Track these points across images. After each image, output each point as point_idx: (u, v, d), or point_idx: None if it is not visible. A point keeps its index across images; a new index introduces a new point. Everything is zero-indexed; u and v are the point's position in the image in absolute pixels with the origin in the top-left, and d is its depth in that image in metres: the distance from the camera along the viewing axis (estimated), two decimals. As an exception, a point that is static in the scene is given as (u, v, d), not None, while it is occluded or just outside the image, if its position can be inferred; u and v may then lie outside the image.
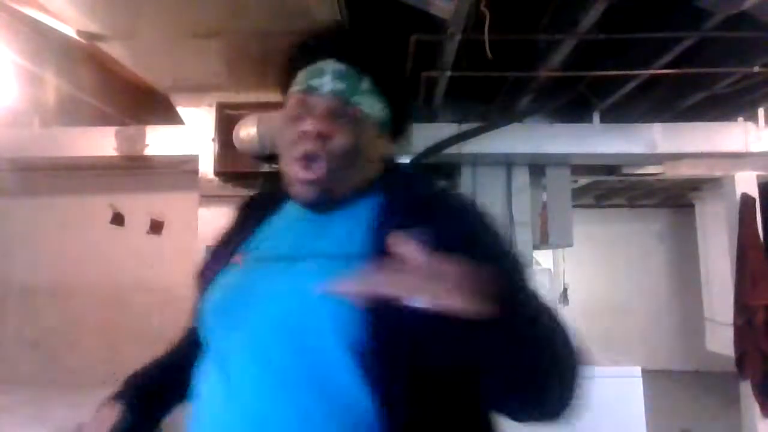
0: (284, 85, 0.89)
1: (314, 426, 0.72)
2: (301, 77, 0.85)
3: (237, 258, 0.88)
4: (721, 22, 2.12)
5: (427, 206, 0.82)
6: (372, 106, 0.85)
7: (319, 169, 0.81)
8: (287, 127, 0.84)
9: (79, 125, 3.15)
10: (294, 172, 0.83)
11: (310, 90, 0.83)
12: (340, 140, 0.81)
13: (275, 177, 0.92)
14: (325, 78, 0.83)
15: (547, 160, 3.33)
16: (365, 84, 0.84)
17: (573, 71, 2.65)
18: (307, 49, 0.88)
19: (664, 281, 7.17)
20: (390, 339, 0.70)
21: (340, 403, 0.72)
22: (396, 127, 0.92)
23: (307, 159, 0.81)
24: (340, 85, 0.82)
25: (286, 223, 0.90)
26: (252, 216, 0.96)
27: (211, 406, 0.80)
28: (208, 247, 0.99)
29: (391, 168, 0.93)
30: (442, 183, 0.96)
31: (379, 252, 0.66)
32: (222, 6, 2.00)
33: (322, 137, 0.81)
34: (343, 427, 0.72)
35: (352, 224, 0.82)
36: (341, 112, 0.82)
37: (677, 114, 3.25)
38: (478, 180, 3.31)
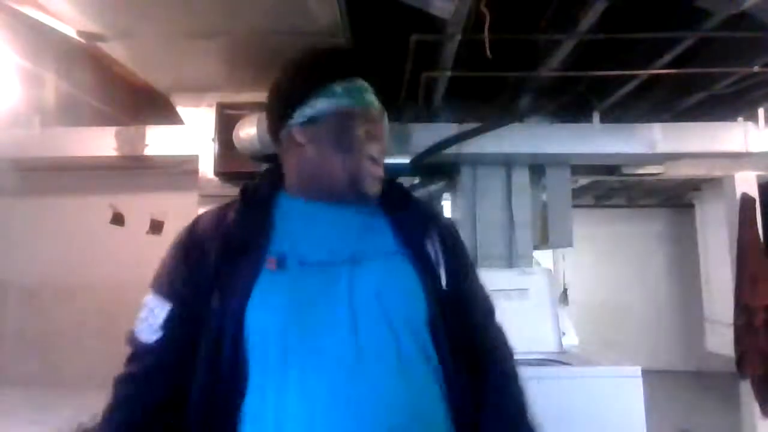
0: (307, 90, 0.99)
1: (428, 401, 0.89)
2: (346, 91, 0.99)
3: (271, 264, 0.90)
4: (721, 22, 2.12)
5: (425, 213, 1.07)
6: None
7: (382, 169, 1.02)
8: (358, 134, 0.99)
9: (79, 125, 3.14)
10: (367, 169, 0.99)
11: (367, 104, 1.01)
12: (386, 144, 1.04)
13: (264, 176, 1.05)
14: (369, 94, 1.02)
15: (547, 160, 3.32)
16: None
17: (573, 71, 2.65)
18: (332, 65, 1.02)
19: (664, 281, 7.16)
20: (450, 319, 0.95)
21: (433, 377, 0.90)
22: None
23: (377, 160, 1.00)
24: (377, 100, 1.03)
25: (325, 222, 0.98)
26: (255, 217, 0.96)
27: (306, 409, 0.83)
28: (213, 255, 0.92)
29: None
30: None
31: (415, 250, 0.96)
32: (222, 6, 2.01)
33: (382, 143, 1.02)
34: (435, 401, 0.90)
35: (375, 221, 1.01)
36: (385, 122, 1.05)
37: (677, 114, 3.25)
38: (478, 180, 3.31)
